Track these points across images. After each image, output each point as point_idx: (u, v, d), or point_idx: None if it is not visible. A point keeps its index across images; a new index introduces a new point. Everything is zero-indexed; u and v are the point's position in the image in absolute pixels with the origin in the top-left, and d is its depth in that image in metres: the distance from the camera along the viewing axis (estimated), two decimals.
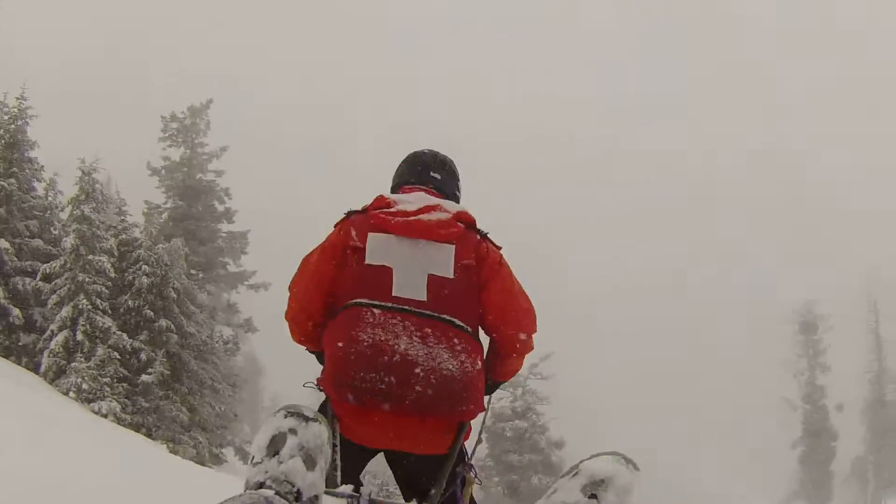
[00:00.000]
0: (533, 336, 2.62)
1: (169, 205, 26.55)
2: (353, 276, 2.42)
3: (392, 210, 2.46)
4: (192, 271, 25.99)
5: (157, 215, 26.11)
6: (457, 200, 2.77)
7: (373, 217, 2.46)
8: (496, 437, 30.68)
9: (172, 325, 19.24)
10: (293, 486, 1.61)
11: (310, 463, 1.66)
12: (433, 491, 2.34)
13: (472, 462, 2.61)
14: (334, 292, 2.47)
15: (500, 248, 2.58)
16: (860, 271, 38.12)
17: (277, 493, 1.58)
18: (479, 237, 2.52)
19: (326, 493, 1.90)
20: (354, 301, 2.36)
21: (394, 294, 2.34)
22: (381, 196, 2.55)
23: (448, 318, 2.33)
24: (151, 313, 18.92)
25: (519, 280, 2.59)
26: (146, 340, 18.83)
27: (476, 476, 2.58)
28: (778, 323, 36.99)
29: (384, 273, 2.37)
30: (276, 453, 1.66)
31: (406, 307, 2.33)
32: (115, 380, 17.03)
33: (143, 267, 18.98)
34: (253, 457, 1.71)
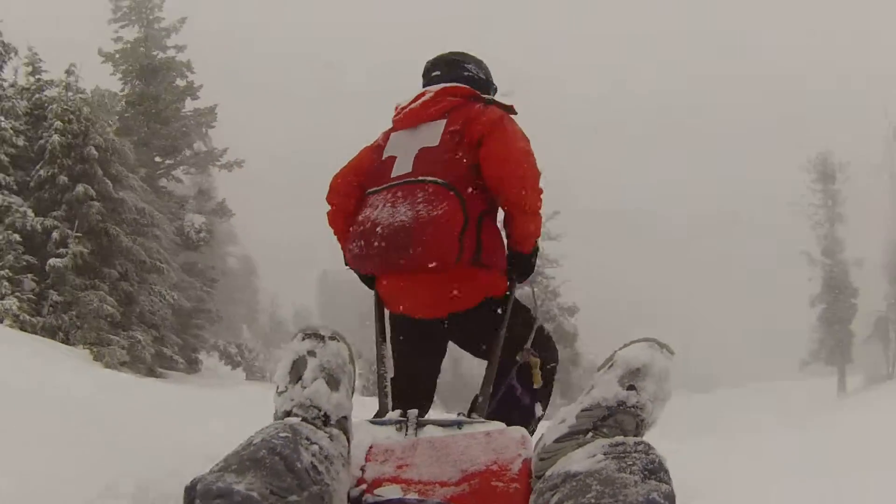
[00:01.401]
0: (536, 194, 2.64)
1: (126, 91, 24.45)
2: (373, 171, 2.71)
3: (397, 112, 2.80)
4: (157, 158, 24.15)
5: (114, 103, 23.92)
6: (473, 83, 2.89)
7: (392, 122, 2.80)
8: None
9: (93, 192, 15.73)
10: (319, 410, 1.61)
11: (333, 383, 1.66)
12: (479, 398, 2.36)
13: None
14: (365, 188, 2.70)
15: (510, 110, 2.71)
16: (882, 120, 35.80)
17: (304, 419, 1.57)
18: (479, 105, 2.67)
19: (374, 422, 1.99)
20: (365, 194, 2.66)
21: (391, 176, 2.58)
22: (397, 106, 2.84)
23: (419, 178, 2.49)
24: (66, 179, 15.54)
25: (527, 140, 2.62)
26: (62, 217, 15.52)
27: (535, 355, 2.64)
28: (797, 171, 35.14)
29: (390, 162, 2.64)
30: (299, 378, 1.65)
31: (392, 182, 2.55)
32: (17, 270, 14.10)
33: (56, 124, 15.51)
34: (277, 385, 1.69)
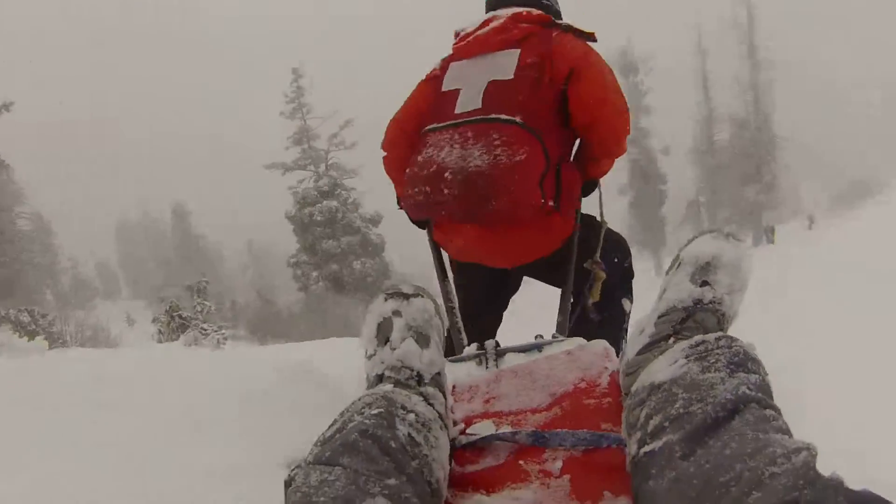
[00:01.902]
0: (626, 138, 2.50)
1: None
2: (432, 105, 2.48)
3: (460, 37, 2.58)
4: None
5: None
6: (548, 10, 2.64)
7: (452, 49, 2.58)
8: (303, 227, 28.28)
9: None
10: (412, 371, 1.52)
11: (422, 341, 1.57)
12: (559, 317, 2.29)
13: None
14: (422, 125, 2.47)
15: (592, 36, 2.47)
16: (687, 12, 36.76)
17: (397, 381, 1.50)
18: (556, 32, 2.42)
19: (452, 360, 1.92)
20: (423, 130, 2.41)
21: (455, 112, 2.35)
22: (457, 31, 2.64)
23: (493, 116, 2.25)
24: None
25: (614, 76, 2.42)
26: None
27: (603, 269, 2.53)
28: None
29: (452, 96, 2.40)
30: (387, 340, 1.57)
31: (460, 120, 2.31)
32: None
33: None
34: (366, 349, 1.61)
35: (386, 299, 1.65)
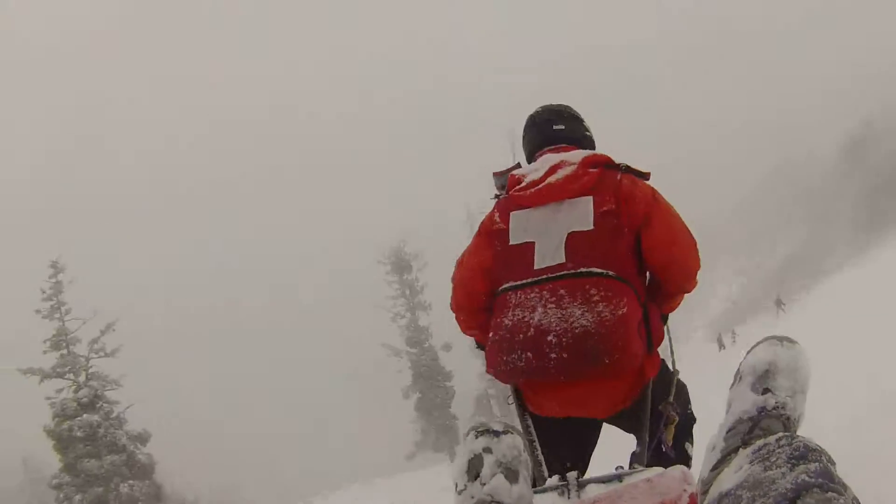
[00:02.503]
0: (698, 272, 2.55)
1: None
2: (501, 260, 2.45)
3: (523, 185, 2.48)
4: None
5: None
6: (590, 144, 2.75)
7: (512, 198, 2.50)
8: (64, 443, 24.05)
9: None
10: None
11: (512, 476, 1.65)
12: (637, 449, 2.35)
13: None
14: (493, 280, 2.47)
15: (648, 176, 2.51)
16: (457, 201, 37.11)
17: None
18: (619, 174, 2.45)
19: (536, 491, 1.93)
20: (502, 288, 2.39)
21: (535, 267, 2.33)
22: (512, 175, 2.57)
23: (584, 269, 2.27)
24: None
25: (678, 215, 2.49)
26: None
27: (675, 411, 2.54)
28: (370, 265, 34.98)
29: (527, 250, 2.38)
30: (478, 476, 1.64)
31: (543, 277, 2.30)
32: None
33: None
34: (456, 484, 1.70)
35: (477, 436, 1.70)
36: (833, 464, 1.34)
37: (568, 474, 1.99)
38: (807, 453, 1.34)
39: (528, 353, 2.22)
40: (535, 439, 2.42)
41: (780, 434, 1.43)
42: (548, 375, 2.24)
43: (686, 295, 2.65)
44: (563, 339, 2.17)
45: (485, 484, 1.61)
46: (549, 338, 2.19)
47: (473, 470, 1.64)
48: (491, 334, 2.36)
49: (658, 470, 1.91)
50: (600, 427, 2.64)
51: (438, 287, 34.47)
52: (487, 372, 2.54)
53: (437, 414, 33.03)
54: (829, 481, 1.27)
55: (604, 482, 1.93)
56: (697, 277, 2.56)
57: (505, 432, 1.71)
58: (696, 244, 2.50)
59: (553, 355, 2.19)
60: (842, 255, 41.66)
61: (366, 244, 38.60)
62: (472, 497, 1.59)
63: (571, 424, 2.48)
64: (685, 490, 1.72)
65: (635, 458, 2.28)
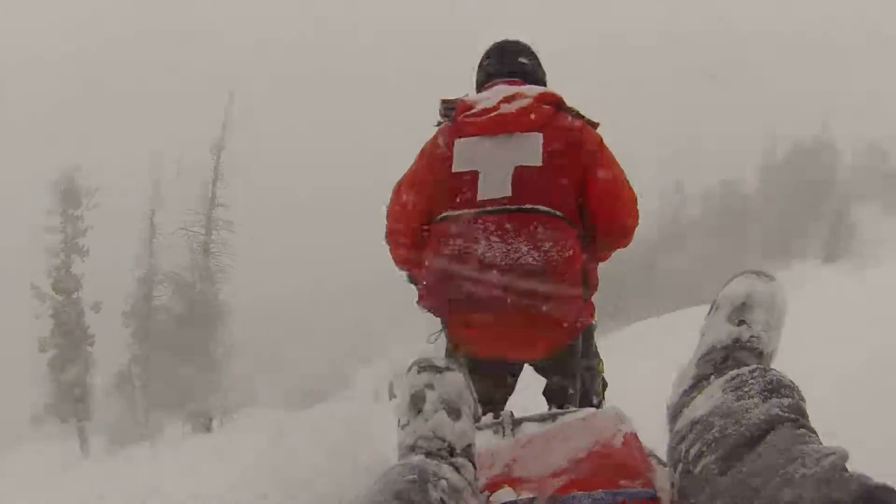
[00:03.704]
0: (636, 229, 2.58)
1: None
2: (442, 187, 2.41)
3: (474, 111, 2.44)
4: None
5: None
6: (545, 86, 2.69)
7: (459, 124, 2.45)
8: None
9: None
10: (444, 441, 1.59)
11: (454, 413, 1.64)
12: (570, 391, 2.48)
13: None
14: (431, 209, 2.44)
15: (597, 125, 2.50)
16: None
17: (428, 451, 1.55)
18: (570, 117, 2.45)
19: None
20: (442, 216, 2.37)
21: (479, 198, 2.31)
22: (462, 101, 2.52)
23: (530, 206, 2.27)
24: None
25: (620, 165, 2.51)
26: None
27: (601, 362, 2.73)
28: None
29: (471, 179, 2.35)
30: (419, 411, 1.64)
31: (488, 208, 2.29)
32: None
33: None
34: (399, 419, 1.69)
35: (419, 372, 1.68)
36: (804, 401, 1.41)
37: (502, 413, 2.01)
38: (780, 387, 1.40)
39: (469, 286, 2.23)
40: (463, 364, 2.34)
41: (755, 366, 1.49)
42: (487, 310, 2.26)
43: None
44: (507, 276, 2.18)
45: (427, 420, 1.60)
46: (493, 272, 2.20)
47: (415, 406, 1.63)
48: (427, 263, 2.35)
49: (591, 410, 1.98)
50: (520, 373, 2.69)
51: (104, 235, 29.41)
52: (420, 304, 2.53)
53: (71, 377, 27.29)
54: (801, 417, 1.33)
55: (538, 421, 1.97)
56: (633, 235, 2.57)
57: (448, 369, 1.69)
58: (636, 200, 2.53)
59: (495, 291, 2.20)
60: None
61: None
62: (415, 432, 1.59)
63: (498, 366, 2.54)
64: (619, 429, 1.74)
65: (567, 400, 2.44)
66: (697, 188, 49.27)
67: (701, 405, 1.46)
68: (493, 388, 2.53)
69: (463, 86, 2.76)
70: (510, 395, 2.67)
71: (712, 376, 1.54)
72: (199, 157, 30.92)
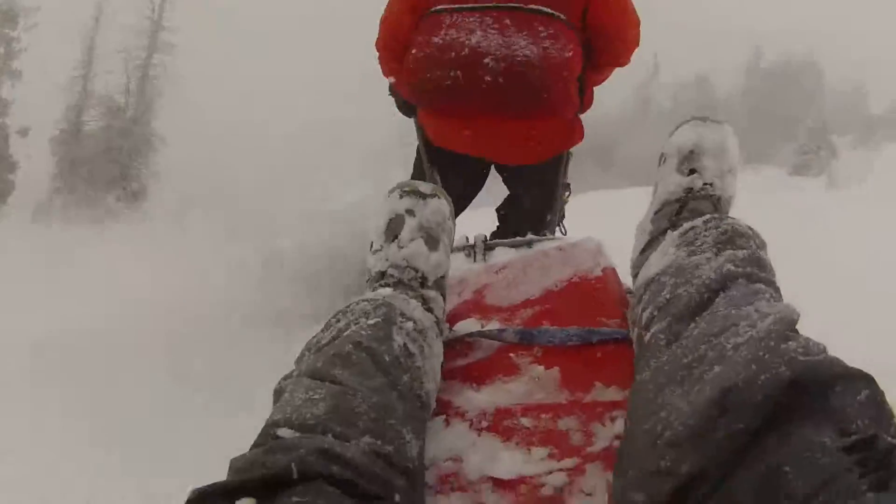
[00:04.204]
0: (634, 51, 2.51)
1: None
2: None
3: None
4: None
5: None
6: None
7: None
8: None
9: None
10: (416, 271, 1.52)
11: (432, 243, 1.56)
12: (548, 214, 2.43)
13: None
14: (425, 7, 2.34)
15: None
16: None
17: (399, 280, 1.49)
18: None
19: None
20: (434, 9, 2.28)
21: None
22: None
23: (534, 7, 2.20)
24: None
25: None
26: None
27: (568, 195, 2.68)
28: None
29: None
30: (395, 237, 1.55)
31: (488, 3, 2.20)
32: None
33: None
34: (372, 243, 1.60)
35: (401, 196, 1.60)
36: (764, 247, 1.33)
37: (474, 235, 1.94)
38: (734, 237, 1.32)
39: (459, 72, 2.15)
40: (431, 155, 2.42)
41: (709, 216, 1.42)
42: (476, 102, 2.18)
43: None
44: (502, 64, 2.10)
45: (402, 247, 1.53)
46: (486, 60, 2.12)
47: (392, 231, 1.55)
48: (414, 51, 2.25)
49: (569, 239, 1.87)
50: (486, 177, 2.61)
51: (37, 59, 28.21)
52: (401, 93, 2.50)
53: None
54: (759, 270, 1.24)
55: (513, 247, 1.90)
56: (631, 57, 2.51)
57: (433, 195, 1.60)
58: (639, 23, 2.45)
59: (488, 77, 2.12)
60: None
61: None
62: (387, 259, 1.52)
63: (471, 165, 2.45)
64: (599, 262, 1.66)
65: (546, 226, 2.38)
66: (671, 77, 48.00)
67: (655, 263, 1.39)
68: (464, 185, 2.50)
69: None
70: (477, 194, 2.62)
71: (668, 231, 1.48)
72: None
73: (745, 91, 47.19)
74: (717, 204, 1.53)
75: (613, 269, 1.67)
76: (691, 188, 1.53)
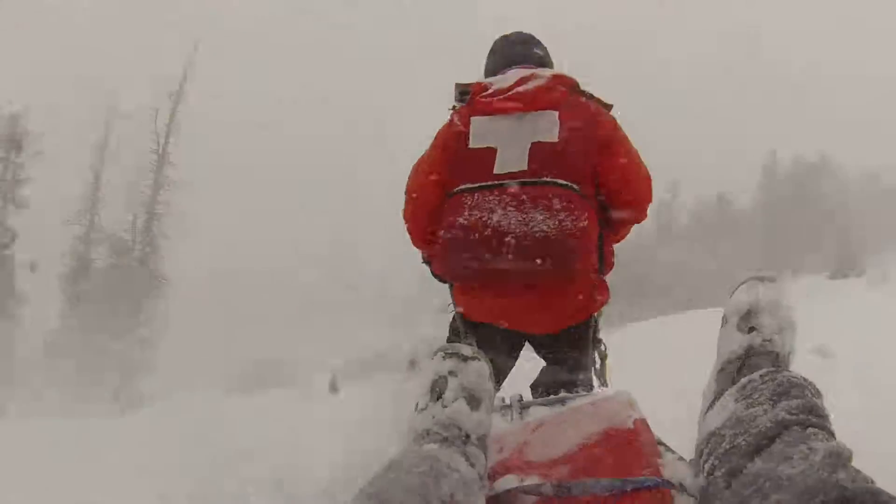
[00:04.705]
0: (650, 205, 2.61)
1: None
2: (458, 162, 2.41)
3: (490, 91, 2.47)
4: None
5: None
6: None
7: (475, 103, 2.47)
8: None
9: None
10: (460, 430, 1.57)
11: (474, 403, 1.62)
12: (580, 374, 2.46)
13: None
14: (448, 188, 2.42)
15: (611, 107, 2.53)
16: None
17: (444, 438, 1.54)
18: (584, 99, 2.48)
19: None
20: (457, 189, 2.36)
21: (495, 172, 2.32)
22: (478, 82, 2.55)
23: (548, 178, 2.28)
24: None
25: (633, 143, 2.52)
26: None
27: (605, 349, 2.64)
28: None
29: (487, 154, 2.36)
30: (440, 397, 1.63)
31: (504, 182, 2.30)
32: None
33: None
34: (417, 403, 1.67)
35: (444, 358, 1.67)
36: (819, 396, 1.37)
37: (510, 396, 2.03)
38: (790, 388, 1.36)
39: (486, 254, 2.22)
40: (467, 331, 2.49)
41: (765, 370, 1.46)
42: (503, 278, 2.27)
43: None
44: (523, 242, 2.18)
45: (446, 406, 1.59)
46: (508, 238, 2.20)
47: (437, 391, 1.62)
48: (442, 233, 2.33)
49: (601, 394, 1.96)
50: (521, 350, 2.67)
51: (43, 189, 26.65)
52: (436, 273, 2.64)
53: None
54: (811, 416, 1.29)
55: (546, 405, 1.96)
56: (647, 212, 2.59)
57: (473, 358, 1.67)
58: (651, 178, 2.53)
59: (510, 255, 2.19)
60: None
61: None
62: (433, 417, 1.58)
63: (508, 336, 2.51)
64: (630, 415, 1.72)
65: (579, 384, 2.41)
66: (690, 198, 47.69)
67: (714, 418, 1.45)
68: (502, 358, 2.55)
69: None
70: (513, 367, 2.67)
71: (729, 387, 1.53)
72: (153, 100, 28.59)
73: (765, 204, 46.87)
74: (776, 359, 1.55)
75: (644, 421, 1.70)
76: (751, 345, 1.57)
